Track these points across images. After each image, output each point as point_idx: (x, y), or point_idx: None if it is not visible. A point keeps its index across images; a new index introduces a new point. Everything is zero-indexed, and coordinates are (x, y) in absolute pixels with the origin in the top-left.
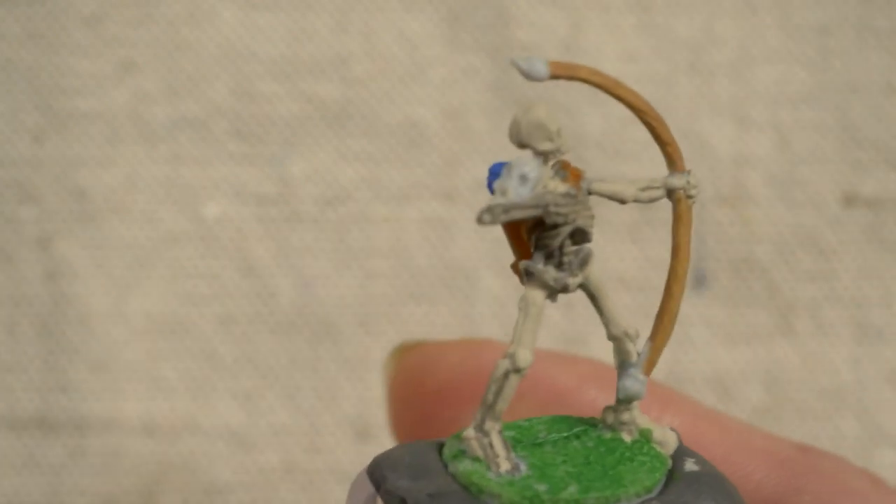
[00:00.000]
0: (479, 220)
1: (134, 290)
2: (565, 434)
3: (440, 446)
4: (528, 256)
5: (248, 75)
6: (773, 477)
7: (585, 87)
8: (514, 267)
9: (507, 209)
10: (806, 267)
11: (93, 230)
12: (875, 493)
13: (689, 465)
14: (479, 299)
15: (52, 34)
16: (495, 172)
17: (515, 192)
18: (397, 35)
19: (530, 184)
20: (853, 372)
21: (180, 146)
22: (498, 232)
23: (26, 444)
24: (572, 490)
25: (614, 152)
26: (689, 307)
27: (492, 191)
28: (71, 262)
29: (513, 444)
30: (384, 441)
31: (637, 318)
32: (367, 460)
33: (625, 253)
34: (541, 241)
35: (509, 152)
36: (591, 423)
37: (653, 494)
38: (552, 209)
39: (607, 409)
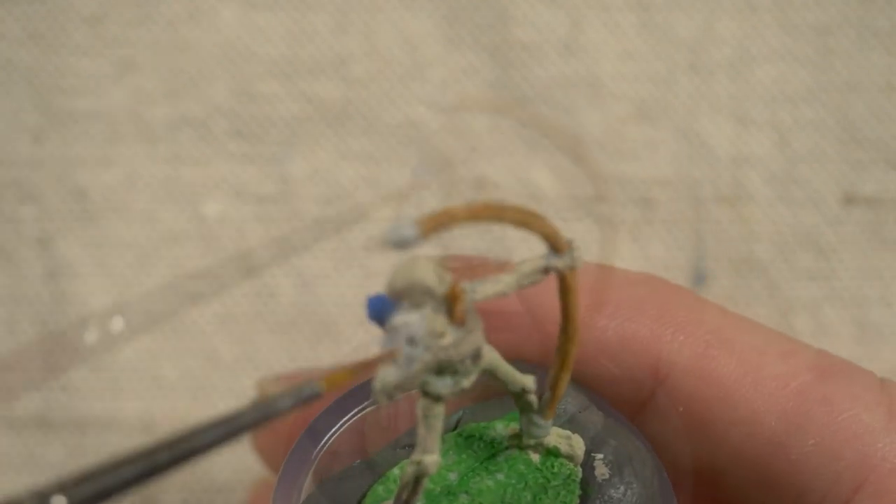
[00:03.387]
0: (378, 400)
1: (134, 289)
2: (477, 467)
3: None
4: None
5: (248, 75)
6: (779, 415)
7: (586, 86)
8: None
9: (400, 386)
10: (806, 266)
11: (93, 230)
12: (886, 432)
13: (600, 470)
14: None
15: (52, 34)
16: (375, 308)
17: (407, 357)
18: (397, 35)
19: (420, 344)
20: None
21: (180, 146)
22: (499, 232)
23: (26, 444)
24: None
25: (614, 152)
26: None
27: (375, 321)
28: (71, 262)
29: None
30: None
31: None
32: None
33: (625, 252)
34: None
35: (510, 152)
36: (498, 442)
37: None
38: (444, 365)
39: (514, 435)
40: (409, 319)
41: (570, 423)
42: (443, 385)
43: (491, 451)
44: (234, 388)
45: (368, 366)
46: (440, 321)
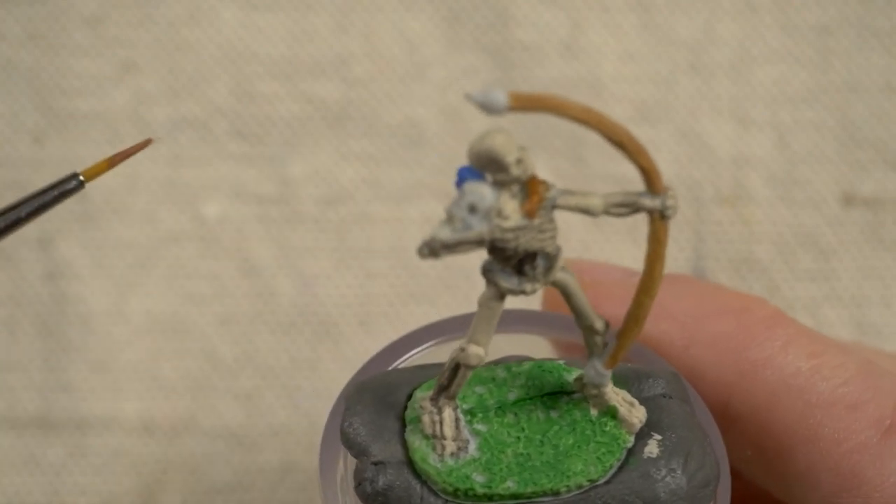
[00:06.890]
0: (419, 253)
1: (134, 289)
2: (536, 396)
3: (411, 393)
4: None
5: (248, 75)
6: (833, 472)
7: (586, 87)
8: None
9: (447, 245)
10: (806, 267)
11: (93, 230)
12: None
13: (650, 448)
14: None
15: (53, 35)
16: (462, 175)
17: (463, 222)
18: (397, 35)
19: (480, 214)
20: None
21: (180, 146)
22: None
23: (26, 444)
24: (510, 484)
25: (615, 152)
26: None
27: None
28: (71, 262)
29: (476, 408)
30: None
31: None
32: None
33: (625, 253)
34: (494, 253)
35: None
36: (567, 384)
37: (599, 482)
38: (497, 245)
39: (578, 379)
40: (479, 189)
41: (650, 402)
42: (507, 281)
43: (558, 389)
44: (233, 387)
45: (125, 154)
46: (510, 205)
